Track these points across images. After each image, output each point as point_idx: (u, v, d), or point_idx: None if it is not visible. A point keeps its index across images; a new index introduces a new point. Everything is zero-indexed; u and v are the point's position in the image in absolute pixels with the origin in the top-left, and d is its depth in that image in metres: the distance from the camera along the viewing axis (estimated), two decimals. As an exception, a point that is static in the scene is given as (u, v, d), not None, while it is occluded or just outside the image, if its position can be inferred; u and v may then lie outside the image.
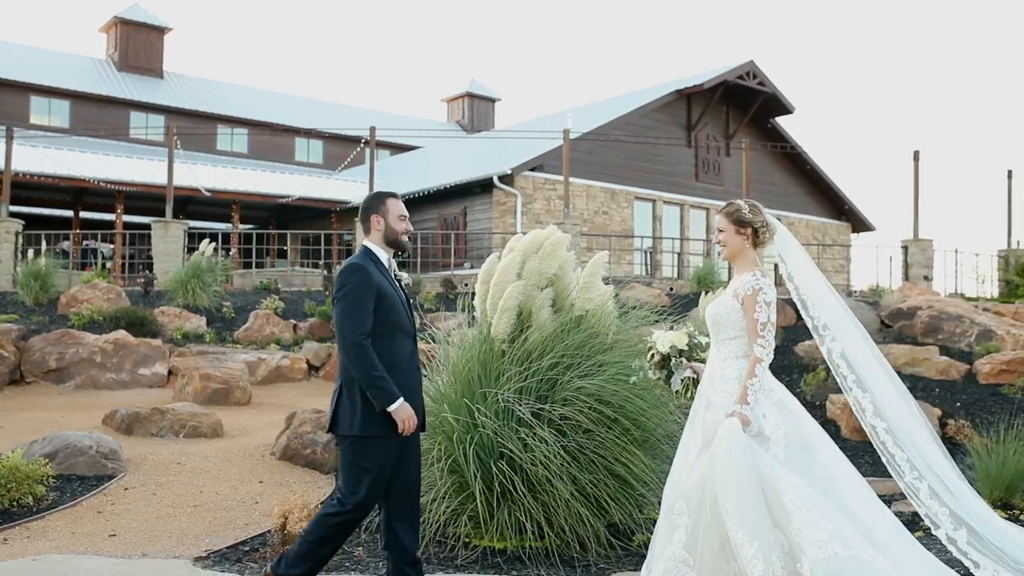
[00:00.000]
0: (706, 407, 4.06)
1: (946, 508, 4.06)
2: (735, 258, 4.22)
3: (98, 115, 33.50)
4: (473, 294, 5.79)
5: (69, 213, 28.44)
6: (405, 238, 4.36)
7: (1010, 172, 22.56)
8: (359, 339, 4.04)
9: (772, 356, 4.02)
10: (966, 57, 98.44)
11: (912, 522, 5.97)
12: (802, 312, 4.31)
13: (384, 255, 4.31)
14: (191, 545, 5.38)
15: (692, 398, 4.29)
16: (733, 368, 4.05)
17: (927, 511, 4.07)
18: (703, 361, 4.32)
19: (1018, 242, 22.61)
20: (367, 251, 4.30)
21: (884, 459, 4.20)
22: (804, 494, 3.72)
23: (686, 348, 4.30)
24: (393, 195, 4.38)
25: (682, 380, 4.29)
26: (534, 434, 5.14)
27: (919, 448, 4.18)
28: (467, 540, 5.21)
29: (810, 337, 12.48)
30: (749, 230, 4.19)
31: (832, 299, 4.30)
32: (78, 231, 24.70)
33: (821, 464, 3.91)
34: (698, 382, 4.26)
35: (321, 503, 5.99)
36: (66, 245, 23.65)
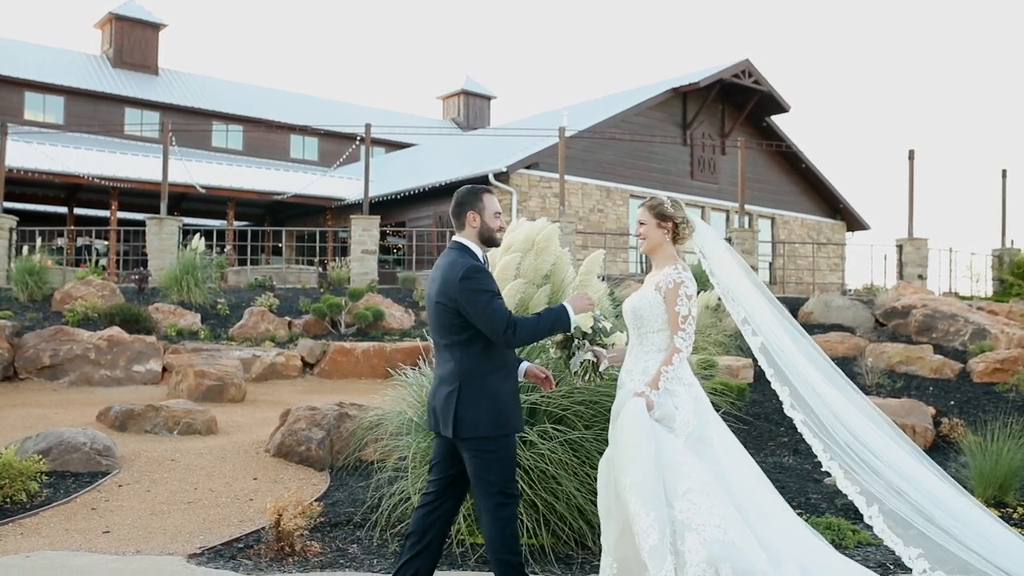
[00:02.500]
0: (625, 395, 4.12)
1: (858, 487, 4.11)
2: (654, 252, 4.30)
3: (93, 111, 33.43)
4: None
5: (63, 210, 28.38)
6: (499, 235, 4.30)
7: (1004, 171, 22.60)
8: (511, 324, 3.96)
9: (691, 349, 4.10)
10: (961, 56, 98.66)
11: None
12: (727, 307, 4.40)
13: (480, 252, 4.22)
14: (185, 542, 5.36)
15: (590, 381, 4.36)
16: (656, 362, 4.11)
17: (848, 493, 4.15)
18: (604, 346, 4.35)
19: (1012, 241, 22.67)
20: (466, 248, 4.19)
21: (814, 449, 4.26)
22: (702, 482, 3.81)
23: (589, 331, 4.32)
24: (488, 191, 4.31)
25: (581, 363, 4.31)
26: (532, 429, 5.14)
27: (853, 432, 4.20)
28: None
29: (805, 335, 12.53)
30: (670, 224, 4.26)
31: (755, 293, 4.37)
32: (72, 228, 24.64)
33: (717, 462, 3.98)
34: (598, 366, 4.29)
35: (316, 500, 5.98)
36: (60, 242, 23.59)
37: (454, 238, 4.27)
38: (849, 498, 4.17)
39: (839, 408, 4.25)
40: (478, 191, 4.28)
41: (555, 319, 4.09)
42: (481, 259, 4.19)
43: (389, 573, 4.80)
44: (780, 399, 4.30)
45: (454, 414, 4.01)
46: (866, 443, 4.20)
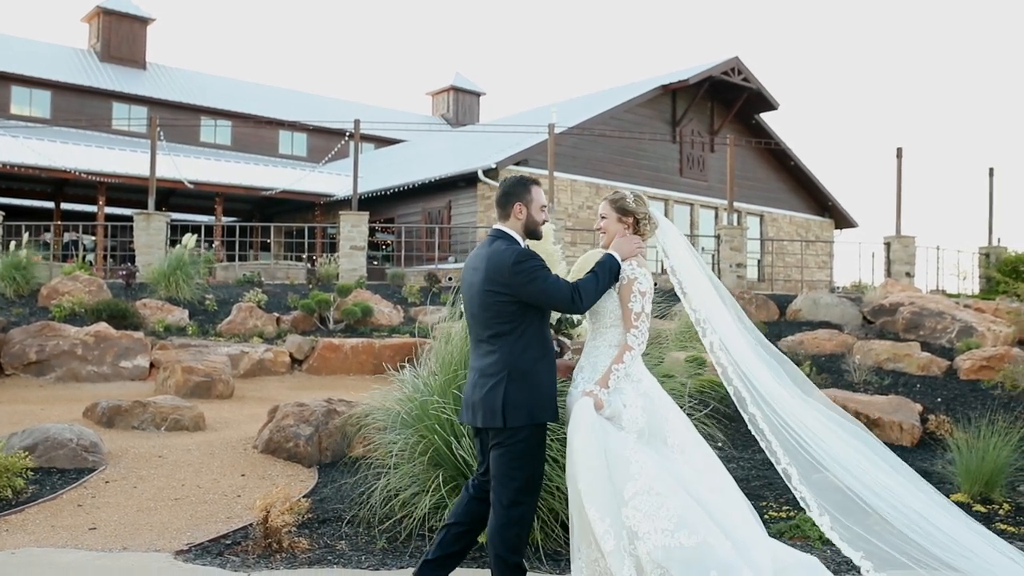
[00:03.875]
0: (574, 389, 4.10)
1: (811, 492, 4.11)
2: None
3: (80, 106, 33.26)
4: (457, 288, 5.77)
5: (50, 204, 28.22)
6: (542, 229, 4.28)
7: (991, 170, 22.72)
8: (575, 290, 3.96)
9: (644, 346, 4.05)
10: (950, 55, 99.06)
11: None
12: (685, 306, 4.37)
13: (522, 242, 4.19)
14: (172, 538, 5.34)
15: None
16: (607, 359, 4.06)
17: (799, 495, 4.14)
18: (569, 337, 4.34)
19: (999, 239, 22.79)
20: (509, 236, 4.15)
21: (762, 446, 4.24)
22: (653, 478, 3.76)
23: (554, 321, 4.30)
24: (536, 182, 4.27)
25: None
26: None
27: (808, 432, 4.20)
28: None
29: (792, 332, 12.55)
30: (630, 219, 4.22)
31: (713, 293, 4.35)
32: (59, 223, 24.51)
33: (673, 460, 3.94)
34: (561, 356, 4.29)
35: (304, 496, 5.96)
36: (47, 237, 23.45)
37: (495, 227, 4.24)
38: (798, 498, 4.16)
39: (796, 412, 4.23)
40: (527, 183, 4.24)
41: (609, 271, 4.07)
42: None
43: (377, 569, 4.80)
44: (736, 397, 4.28)
45: (502, 403, 3.96)
46: (822, 445, 4.19)
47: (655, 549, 3.64)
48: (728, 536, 3.73)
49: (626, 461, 3.80)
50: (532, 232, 4.23)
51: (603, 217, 4.26)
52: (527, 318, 4.02)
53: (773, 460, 4.18)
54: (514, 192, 4.20)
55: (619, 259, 4.10)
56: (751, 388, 4.24)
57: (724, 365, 4.28)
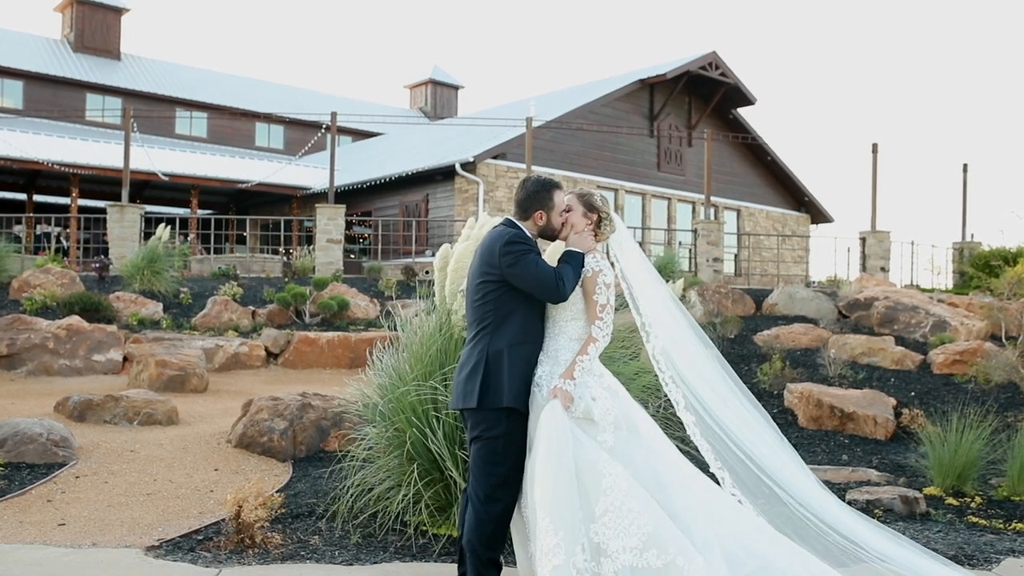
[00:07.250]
0: (535, 388, 4.03)
1: (745, 500, 4.16)
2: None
3: (53, 96, 32.84)
4: (432, 282, 5.75)
5: (22, 196, 27.87)
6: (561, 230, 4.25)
7: (965, 166, 22.97)
8: (559, 277, 3.93)
9: (609, 339, 4.04)
10: (926, 52, 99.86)
11: (865, 510, 6.04)
12: (632, 310, 4.37)
13: (530, 236, 4.16)
14: (143, 534, 5.28)
15: None
16: (569, 352, 4.03)
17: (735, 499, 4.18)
18: None
19: (972, 235, 23.03)
20: (516, 226, 4.13)
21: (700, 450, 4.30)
22: (625, 494, 3.69)
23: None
24: (559, 186, 4.21)
25: None
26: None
27: (743, 441, 4.26)
28: (424, 528, 5.18)
29: (768, 326, 12.61)
30: (595, 216, 4.22)
31: (661, 298, 4.36)
32: (31, 215, 24.21)
33: (647, 453, 3.90)
34: None
35: (278, 491, 5.91)
36: (18, 229, 23.15)
37: (507, 217, 4.22)
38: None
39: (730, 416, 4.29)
40: (549, 187, 4.18)
41: (578, 262, 4.05)
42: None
43: (350, 564, 4.77)
44: (674, 401, 4.29)
45: (478, 384, 3.94)
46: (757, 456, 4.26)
47: (622, 569, 3.60)
48: (700, 551, 3.66)
49: (598, 475, 3.72)
50: (550, 237, 4.23)
51: (568, 209, 4.23)
52: (510, 306, 4.00)
53: (710, 462, 4.25)
54: (536, 198, 4.16)
55: (580, 249, 4.10)
56: (684, 392, 4.26)
57: (664, 369, 4.28)
